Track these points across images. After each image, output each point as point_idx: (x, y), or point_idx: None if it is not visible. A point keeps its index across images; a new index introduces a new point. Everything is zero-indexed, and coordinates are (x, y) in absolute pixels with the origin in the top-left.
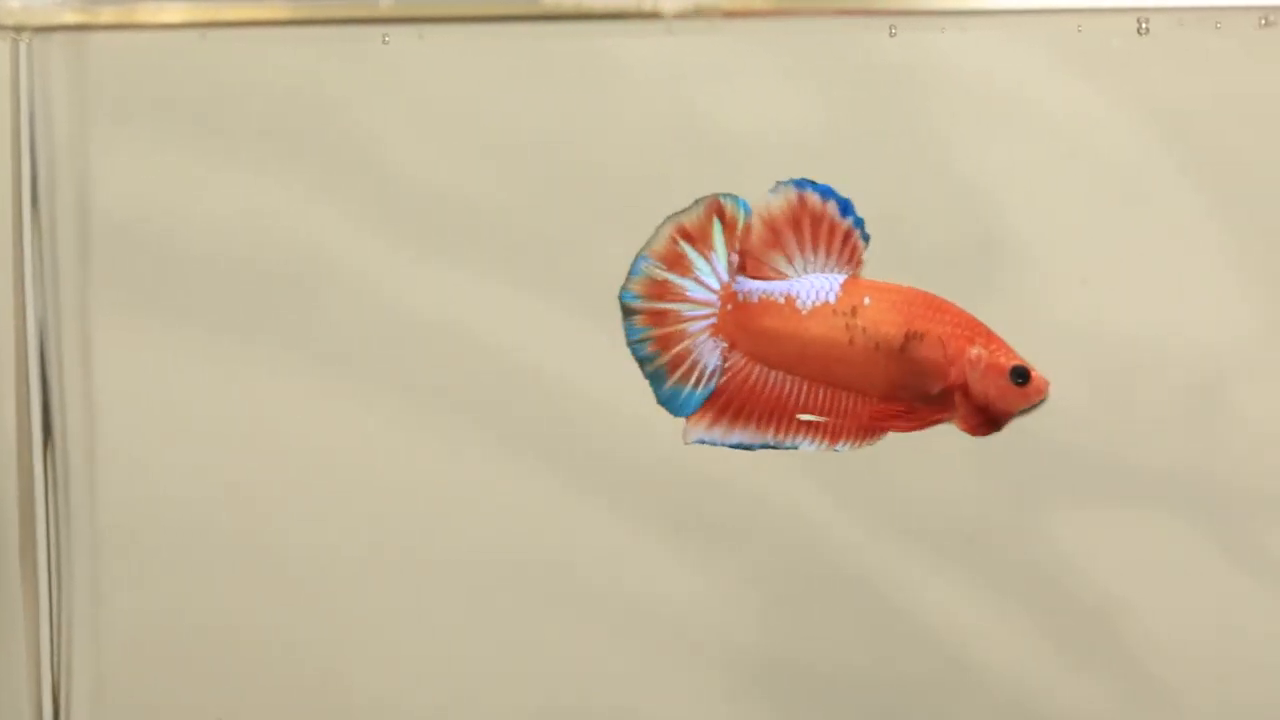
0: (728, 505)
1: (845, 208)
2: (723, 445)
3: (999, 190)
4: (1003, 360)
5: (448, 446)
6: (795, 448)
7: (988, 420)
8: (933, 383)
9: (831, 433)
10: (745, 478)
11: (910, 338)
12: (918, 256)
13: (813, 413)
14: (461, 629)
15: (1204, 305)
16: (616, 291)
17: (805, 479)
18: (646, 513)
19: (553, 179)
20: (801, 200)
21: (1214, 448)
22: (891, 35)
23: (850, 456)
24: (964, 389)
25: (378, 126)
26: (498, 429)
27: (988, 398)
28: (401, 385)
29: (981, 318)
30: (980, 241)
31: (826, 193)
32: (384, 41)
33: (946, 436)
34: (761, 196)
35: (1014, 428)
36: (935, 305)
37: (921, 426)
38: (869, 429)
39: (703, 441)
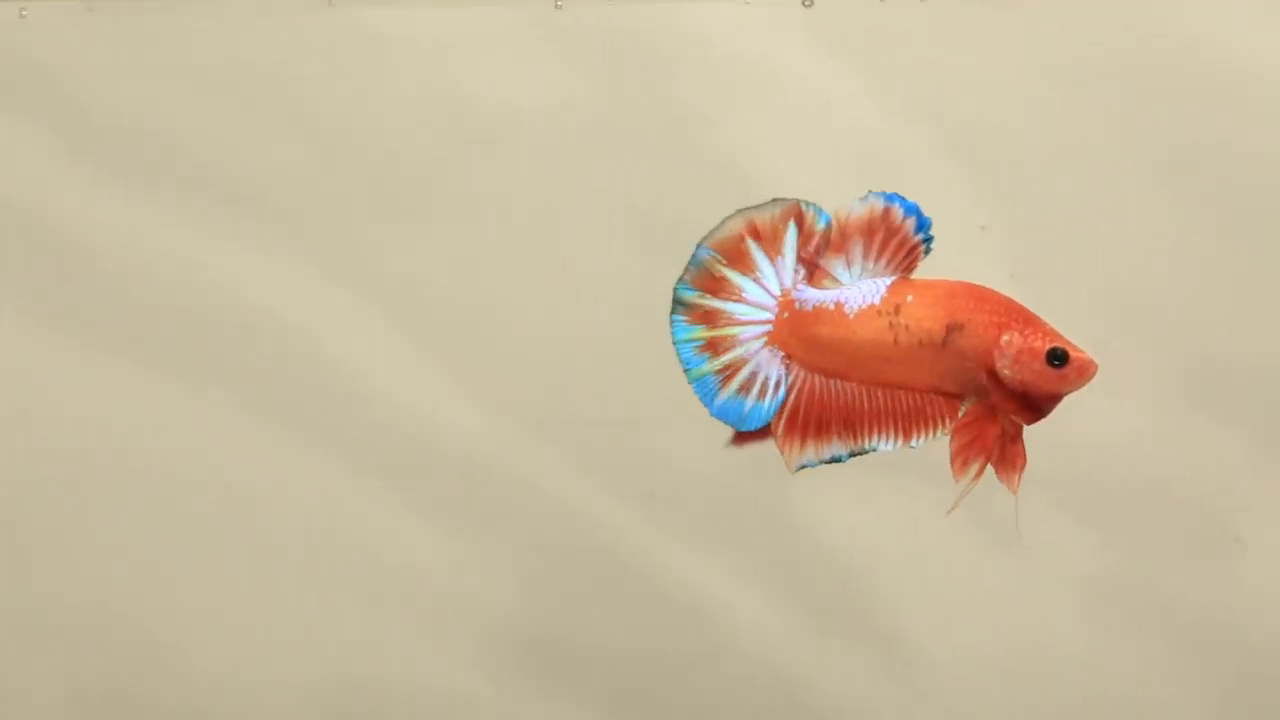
0: (489, 486)
1: (922, 224)
2: (820, 464)
3: (751, 162)
4: (1038, 344)
5: (247, 437)
6: (876, 450)
7: (1029, 405)
8: (978, 373)
9: (904, 432)
10: (506, 459)
11: (951, 330)
12: (674, 230)
13: (883, 422)
14: (259, 602)
15: (951, 274)
16: (403, 278)
17: (566, 459)
18: (413, 494)
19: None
20: (886, 213)
21: None
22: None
23: (606, 435)
24: (994, 375)
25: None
26: (291, 416)
27: (1024, 383)
28: (202, 375)
29: None
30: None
31: (910, 209)
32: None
33: (694, 415)
34: (531, 172)
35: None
36: (977, 295)
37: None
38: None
39: (806, 466)
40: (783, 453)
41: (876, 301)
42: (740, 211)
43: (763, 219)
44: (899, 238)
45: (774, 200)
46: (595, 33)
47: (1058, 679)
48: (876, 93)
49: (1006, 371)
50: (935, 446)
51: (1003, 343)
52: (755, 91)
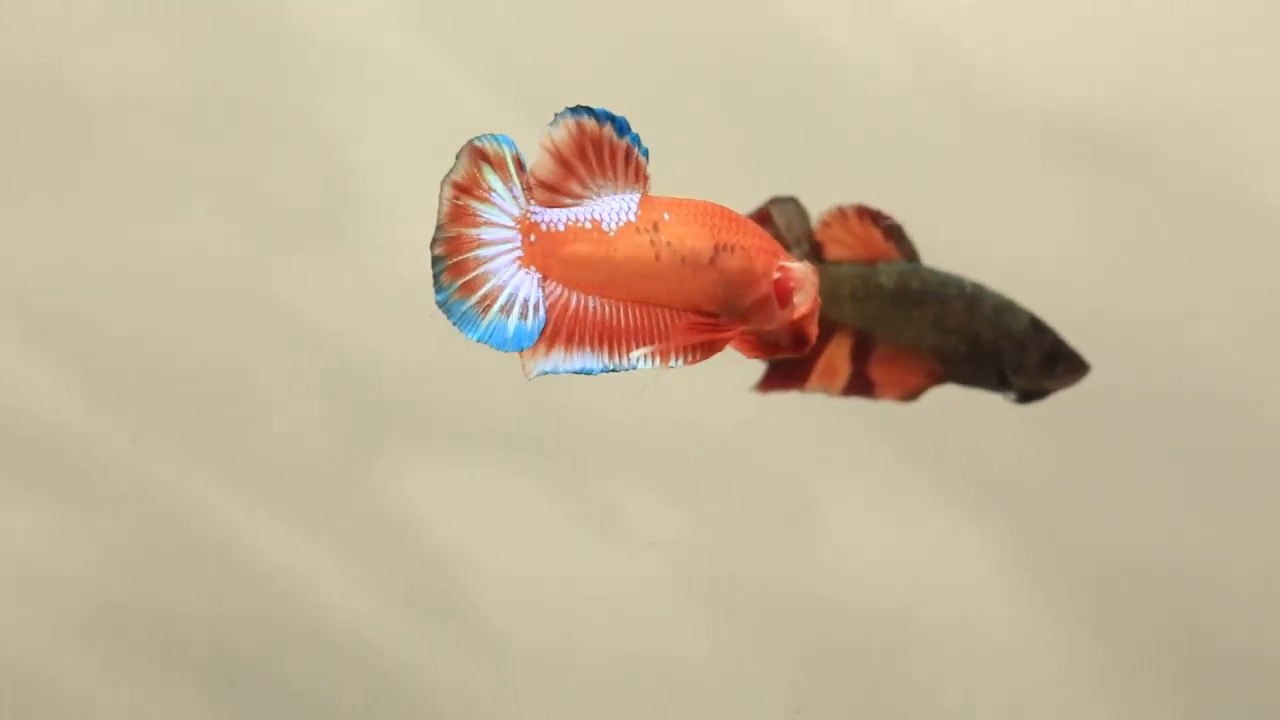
0: (78, 458)
1: (621, 127)
2: (566, 371)
3: (354, 144)
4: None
5: None
6: (634, 368)
7: (795, 337)
8: (745, 294)
9: (663, 353)
10: (86, 429)
11: (720, 250)
12: (274, 211)
13: (640, 339)
14: None
15: None
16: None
17: (165, 438)
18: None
19: None
20: (580, 126)
21: (545, 403)
22: None
23: (195, 412)
24: (764, 301)
25: None
26: None
27: (806, 316)
28: None
29: (340, 269)
30: (342, 195)
31: (603, 115)
32: None
33: (287, 396)
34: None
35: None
36: (735, 219)
37: (733, 338)
38: (697, 346)
39: (547, 371)
40: (523, 360)
41: (632, 219)
42: (469, 142)
43: (458, 174)
44: (608, 146)
45: (458, 154)
46: (195, 11)
47: (645, 659)
48: (472, 73)
49: (798, 299)
50: (546, 436)
51: (795, 272)
52: (354, 71)
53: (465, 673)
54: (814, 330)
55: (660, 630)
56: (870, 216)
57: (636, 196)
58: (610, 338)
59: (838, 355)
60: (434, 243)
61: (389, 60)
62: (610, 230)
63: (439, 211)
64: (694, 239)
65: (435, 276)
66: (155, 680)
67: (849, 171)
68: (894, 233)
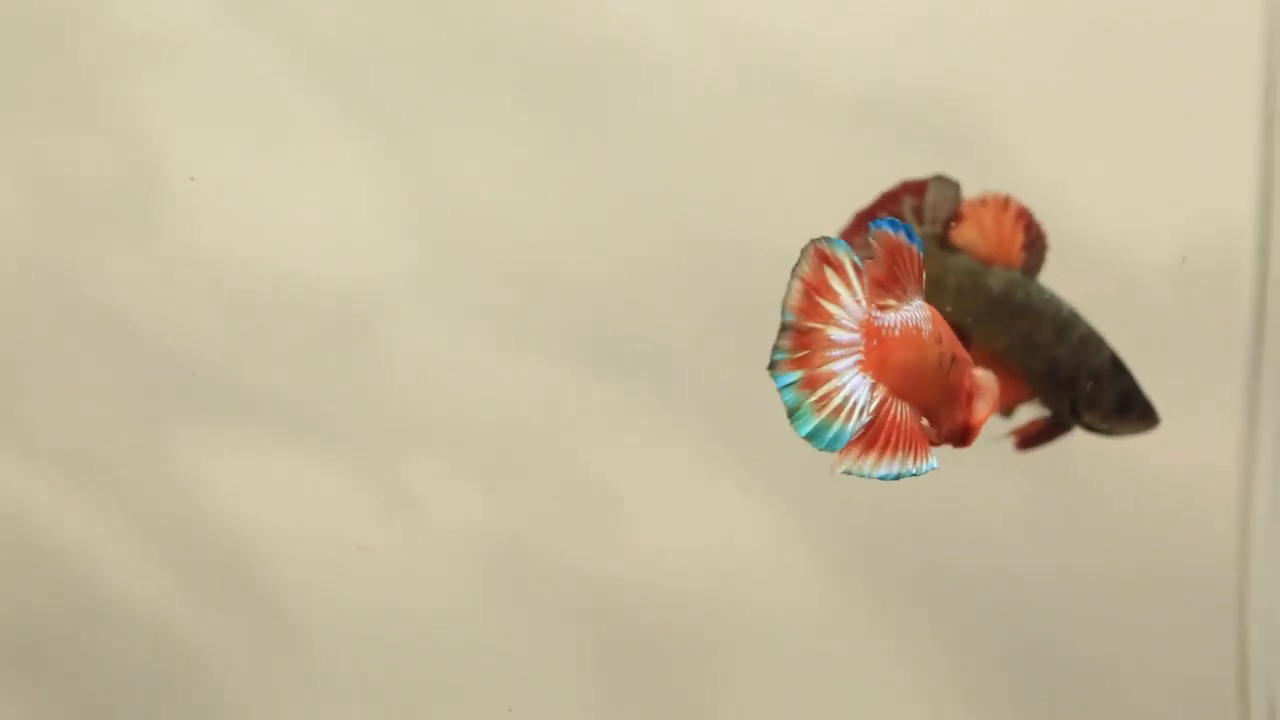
0: None
1: (910, 234)
2: (869, 476)
3: (158, 131)
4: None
5: None
6: (925, 472)
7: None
8: (954, 401)
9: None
10: None
11: (954, 361)
12: (70, 188)
13: (915, 443)
14: None
15: (346, 237)
16: None
17: None
18: None
19: None
20: (890, 237)
21: (349, 380)
22: None
23: None
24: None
25: None
26: None
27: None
28: None
29: (147, 260)
30: (150, 181)
31: (897, 226)
32: None
33: (91, 371)
34: None
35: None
36: (944, 322)
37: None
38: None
39: (851, 473)
40: (836, 458)
41: (928, 325)
42: (813, 243)
43: (829, 251)
44: (907, 252)
45: (803, 249)
46: None
47: (445, 640)
48: (284, 59)
49: (978, 404)
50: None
51: (981, 380)
52: (162, 56)
53: (261, 651)
54: (978, 433)
55: (458, 613)
56: (1023, 218)
57: (920, 300)
58: (912, 443)
59: None
60: (782, 331)
61: (191, 36)
62: (926, 336)
63: (786, 301)
64: (953, 347)
65: (775, 362)
66: None
67: (657, 161)
68: (1034, 244)
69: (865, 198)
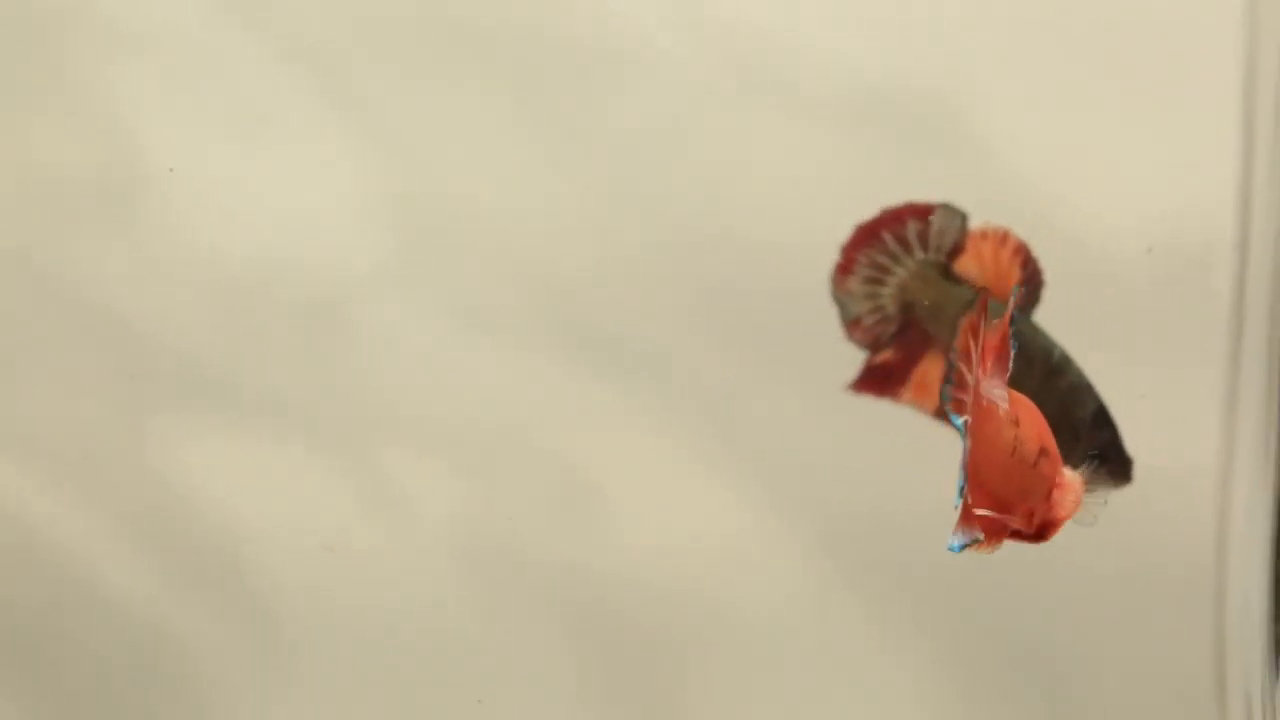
0: None
1: (1014, 319)
2: (953, 548)
3: (138, 121)
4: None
5: None
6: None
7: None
8: (1041, 494)
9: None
10: None
11: (1042, 454)
12: (47, 176)
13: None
14: None
15: (326, 227)
16: None
17: None
18: None
19: None
20: (999, 327)
21: (333, 372)
22: None
23: None
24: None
25: None
26: None
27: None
28: None
29: (126, 251)
30: (129, 172)
31: (1014, 318)
32: None
33: (68, 358)
34: None
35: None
36: (1035, 411)
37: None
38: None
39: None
40: (959, 524)
41: (1005, 406)
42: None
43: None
44: (1001, 338)
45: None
46: None
47: (426, 633)
48: (264, 49)
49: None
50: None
51: (1068, 478)
52: (141, 47)
53: (244, 643)
54: (1058, 529)
55: (440, 606)
56: (1021, 254)
57: (1000, 384)
58: (990, 526)
59: (931, 373)
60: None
61: (170, 26)
62: (1001, 415)
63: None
64: (1032, 440)
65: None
66: None
67: (646, 155)
68: (1031, 279)
69: (865, 198)
